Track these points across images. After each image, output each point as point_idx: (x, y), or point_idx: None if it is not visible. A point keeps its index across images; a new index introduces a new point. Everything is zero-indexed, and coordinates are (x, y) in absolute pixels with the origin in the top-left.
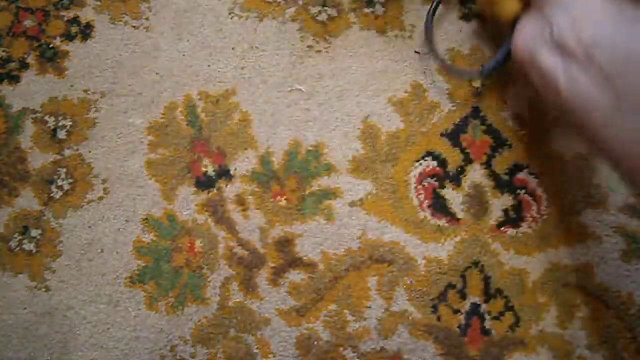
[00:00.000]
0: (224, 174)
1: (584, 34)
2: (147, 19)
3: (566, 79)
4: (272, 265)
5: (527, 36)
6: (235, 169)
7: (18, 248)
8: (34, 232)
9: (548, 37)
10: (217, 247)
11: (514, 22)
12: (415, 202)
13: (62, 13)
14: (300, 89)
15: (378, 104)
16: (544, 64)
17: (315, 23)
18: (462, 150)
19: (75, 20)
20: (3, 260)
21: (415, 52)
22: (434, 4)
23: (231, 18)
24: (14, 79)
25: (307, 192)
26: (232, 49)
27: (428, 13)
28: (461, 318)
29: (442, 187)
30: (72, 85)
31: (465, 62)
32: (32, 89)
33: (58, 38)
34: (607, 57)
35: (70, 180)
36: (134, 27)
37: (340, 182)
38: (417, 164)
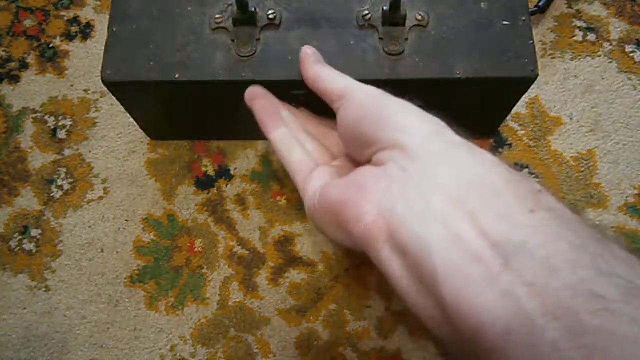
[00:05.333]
0: (224, 174)
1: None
2: None
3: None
4: (272, 265)
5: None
6: (235, 169)
7: (18, 248)
8: (34, 232)
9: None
10: (217, 247)
11: None
12: None
13: (62, 13)
14: None
15: None
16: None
17: None
18: None
19: (75, 20)
20: (3, 260)
21: None
22: None
23: None
24: (14, 79)
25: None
26: None
27: None
28: None
29: None
30: (72, 85)
31: None
32: (32, 89)
33: (58, 38)
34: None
35: (71, 180)
36: None
37: None
38: None
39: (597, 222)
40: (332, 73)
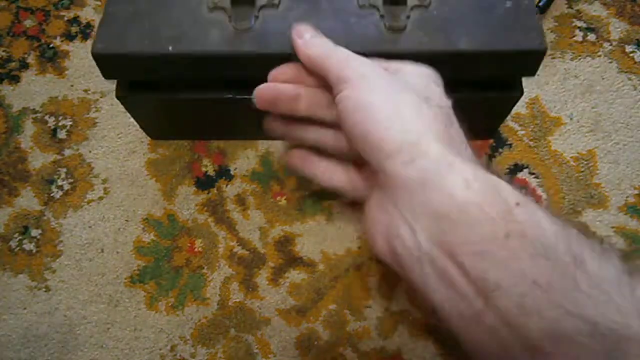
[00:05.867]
0: (224, 174)
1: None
2: None
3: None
4: (272, 265)
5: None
6: (235, 169)
7: (18, 248)
8: (34, 232)
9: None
10: (217, 247)
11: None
12: None
13: (62, 13)
14: None
15: None
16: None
17: None
18: None
19: (75, 20)
20: (3, 260)
21: None
22: None
23: None
24: (14, 79)
25: (307, 192)
26: None
27: None
28: None
29: None
30: (72, 85)
31: None
32: (32, 89)
33: (58, 38)
34: None
35: (71, 180)
36: None
37: None
38: None
39: (597, 222)
40: (335, 49)
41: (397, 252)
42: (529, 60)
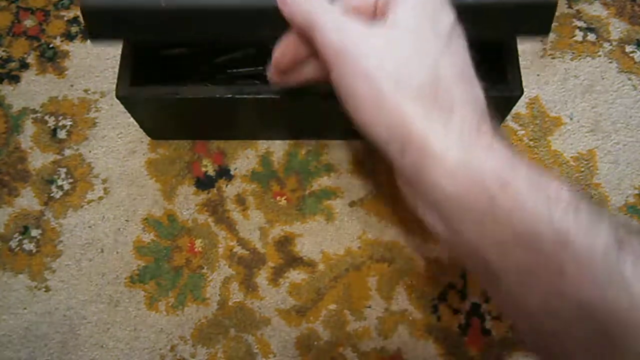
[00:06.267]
0: (224, 174)
1: None
2: None
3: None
4: (272, 265)
5: None
6: (235, 169)
7: (18, 248)
8: (34, 232)
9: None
10: (217, 247)
11: None
12: None
13: (62, 13)
14: None
15: None
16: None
17: None
18: None
19: (75, 20)
20: (3, 260)
21: None
22: None
23: None
24: (14, 79)
25: (307, 192)
26: None
27: None
28: (461, 318)
29: None
30: (72, 85)
31: None
32: (32, 89)
33: (58, 38)
34: None
35: (71, 180)
36: None
37: (340, 182)
38: None
39: None
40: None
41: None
42: (539, 16)
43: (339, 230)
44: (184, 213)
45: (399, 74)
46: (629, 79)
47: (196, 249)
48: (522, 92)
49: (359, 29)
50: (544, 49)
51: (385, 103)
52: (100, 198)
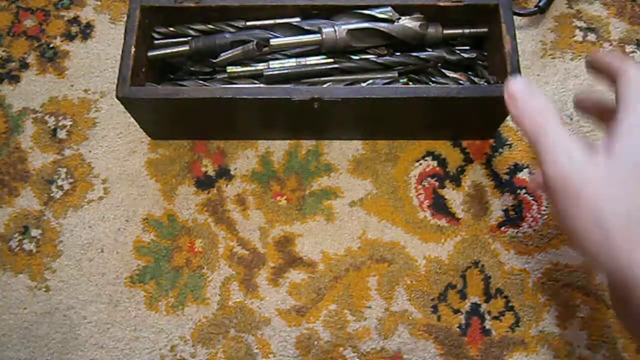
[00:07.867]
0: (224, 174)
1: None
2: None
3: None
4: (272, 265)
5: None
6: (235, 169)
7: (18, 248)
8: (34, 232)
9: None
10: (217, 247)
11: None
12: (416, 202)
13: (62, 13)
14: None
15: None
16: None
17: None
18: (462, 150)
19: (75, 20)
20: (3, 260)
21: None
22: None
23: None
24: (14, 79)
25: (307, 192)
26: None
27: None
28: (461, 318)
29: (442, 187)
30: (72, 85)
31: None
32: (32, 89)
33: (58, 38)
34: None
35: (71, 180)
36: None
37: (340, 182)
38: (417, 163)
39: None
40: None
41: None
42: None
43: (339, 230)
44: (184, 213)
45: (629, 218)
46: None
47: (196, 249)
48: None
49: (583, 156)
50: (544, 48)
51: (613, 243)
52: (100, 198)
